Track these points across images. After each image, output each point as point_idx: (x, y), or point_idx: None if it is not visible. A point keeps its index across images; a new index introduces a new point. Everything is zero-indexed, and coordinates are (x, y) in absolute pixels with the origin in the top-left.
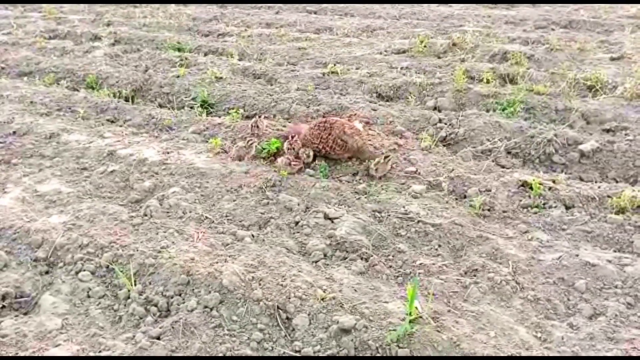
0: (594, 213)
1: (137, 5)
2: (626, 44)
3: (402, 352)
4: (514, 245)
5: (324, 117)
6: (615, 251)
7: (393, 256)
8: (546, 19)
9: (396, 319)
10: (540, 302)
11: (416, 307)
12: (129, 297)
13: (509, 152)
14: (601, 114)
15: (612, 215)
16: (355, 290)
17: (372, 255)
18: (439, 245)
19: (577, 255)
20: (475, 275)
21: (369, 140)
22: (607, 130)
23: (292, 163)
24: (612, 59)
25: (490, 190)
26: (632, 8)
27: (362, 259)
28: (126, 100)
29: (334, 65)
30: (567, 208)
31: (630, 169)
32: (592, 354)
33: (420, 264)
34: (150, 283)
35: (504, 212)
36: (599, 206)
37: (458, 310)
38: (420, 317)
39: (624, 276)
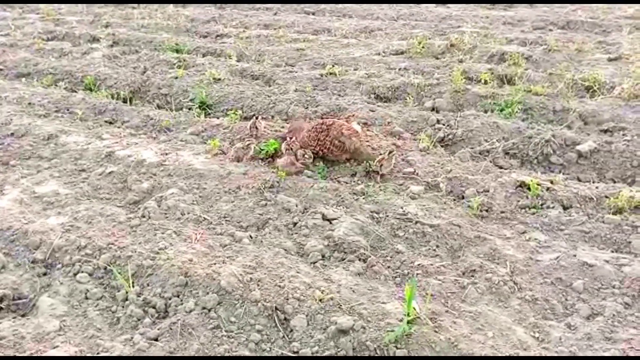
0: (592, 213)
1: (136, 6)
2: (624, 45)
3: (400, 353)
4: (511, 246)
5: (321, 118)
6: (612, 251)
7: (391, 257)
8: (544, 19)
9: (394, 319)
10: (538, 302)
11: (414, 308)
12: (126, 299)
13: (506, 153)
14: (599, 115)
15: (610, 216)
16: (353, 291)
17: (370, 256)
18: (437, 246)
19: (574, 256)
20: (473, 276)
21: (367, 141)
22: (605, 131)
23: (297, 164)
24: (610, 60)
25: (488, 191)
26: (630, 9)
27: (360, 259)
28: (124, 101)
29: (332, 66)
30: (565, 208)
31: (628, 169)
32: (589, 354)
33: (418, 264)
34: (148, 284)
35: (502, 212)
36: (596, 206)
37: (456, 310)
38: (418, 317)
39: (621, 276)
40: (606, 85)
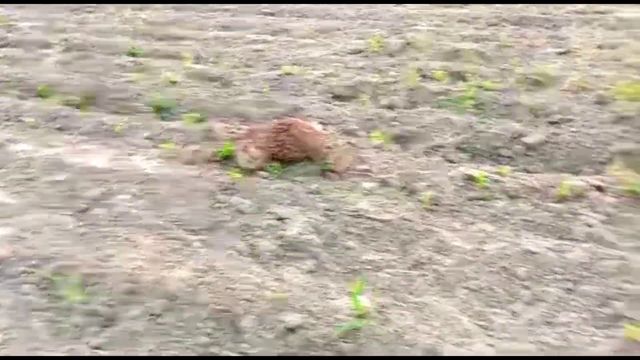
0: (537, 203)
1: (92, 9)
2: (573, 39)
3: (348, 347)
4: (459, 237)
5: (279, 118)
6: (556, 239)
7: (343, 253)
8: (497, 16)
9: (344, 315)
10: (483, 291)
11: (362, 303)
12: (72, 308)
13: (458, 148)
14: (547, 107)
15: (554, 205)
16: (305, 289)
17: (322, 254)
18: (388, 241)
19: (519, 244)
20: (421, 268)
21: (326, 139)
22: (553, 123)
23: (252, 165)
24: (559, 54)
25: (438, 185)
26: (580, 4)
27: (312, 258)
28: (77, 107)
29: (290, 66)
30: (512, 199)
31: (573, 159)
32: (531, 338)
33: (369, 259)
34: (94, 293)
35: (451, 205)
36: (541, 196)
37: (404, 303)
38: (367, 312)
39: (564, 262)
40: (555, 79)
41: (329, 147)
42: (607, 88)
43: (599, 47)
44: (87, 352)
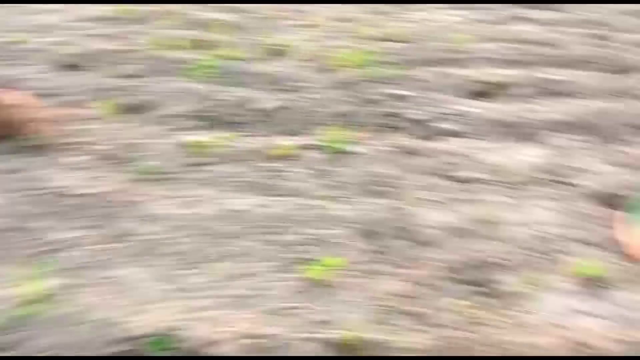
0: (253, 165)
1: None
2: (320, 12)
3: (11, 338)
4: (172, 204)
5: None
6: (262, 196)
7: (31, 237)
8: None
9: (15, 304)
10: (185, 255)
11: (42, 287)
12: None
13: (194, 116)
14: (285, 76)
15: (268, 164)
16: None
17: (2, 240)
18: (90, 217)
19: (228, 205)
20: (122, 241)
21: (36, 112)
22: (286, 90)
23: None
24: (304, 26)
25: (161, 155)
26: None
27: None
28: None
29: (13, 32)
30: (231, 162)
31: (298, 122)
32: (224, 292)
33: (63, 239)
34: None
35: (170, 173)
36: (258, 158)
37: (98, 279)
38: (46, 296)
39: (268, 217)
40: (296, 49)
41: (38, 121)
42: (337, 57)
43: (337, 20)
44: None
